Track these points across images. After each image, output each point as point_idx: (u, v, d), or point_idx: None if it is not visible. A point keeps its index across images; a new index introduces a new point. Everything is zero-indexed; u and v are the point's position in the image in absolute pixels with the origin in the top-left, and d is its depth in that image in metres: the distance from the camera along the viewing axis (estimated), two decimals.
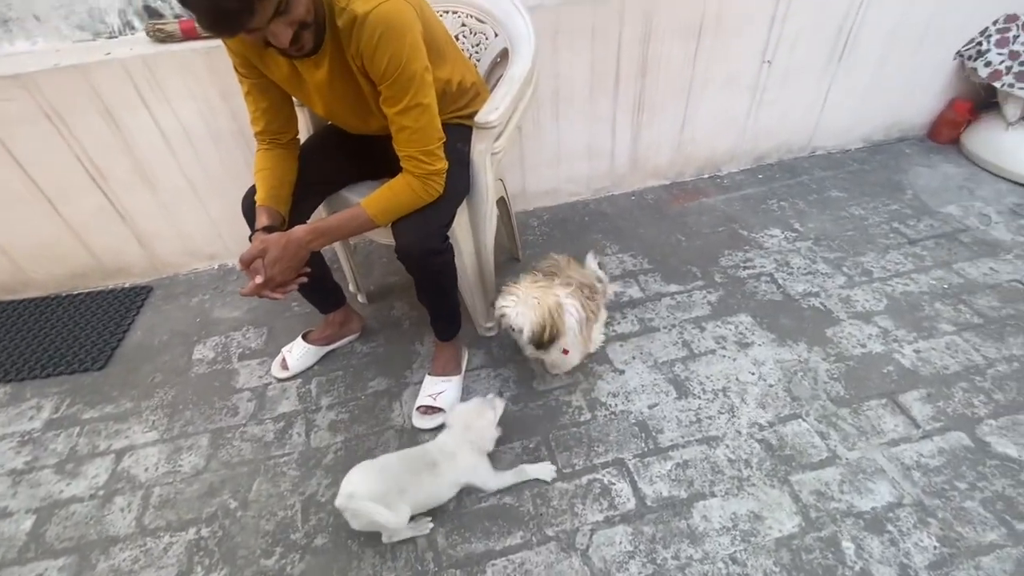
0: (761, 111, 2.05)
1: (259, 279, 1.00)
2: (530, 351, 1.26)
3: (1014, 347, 1.42)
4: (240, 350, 1.62)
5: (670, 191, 2.14)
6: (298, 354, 1.50)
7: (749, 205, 2.03)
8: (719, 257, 1.80)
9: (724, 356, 1.47)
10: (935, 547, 1.06)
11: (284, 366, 1.50)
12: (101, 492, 1.29)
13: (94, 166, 1.62)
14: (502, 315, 1.18)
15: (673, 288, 1.69)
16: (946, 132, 2.24)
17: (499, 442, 1.29)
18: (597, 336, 1.43)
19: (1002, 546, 1.05)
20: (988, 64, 1.98)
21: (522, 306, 1.15)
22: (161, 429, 1.42)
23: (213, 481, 1.29)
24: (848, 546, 1.07)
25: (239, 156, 1.68)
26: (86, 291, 1.87)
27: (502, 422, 1.24)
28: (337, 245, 1.61)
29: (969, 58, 2.04)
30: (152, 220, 1.78)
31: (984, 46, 1.99)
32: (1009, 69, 1.95)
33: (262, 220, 1.07)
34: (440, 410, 1.34)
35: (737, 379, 1.41)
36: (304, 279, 1.08)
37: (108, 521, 1.23)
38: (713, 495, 1.17)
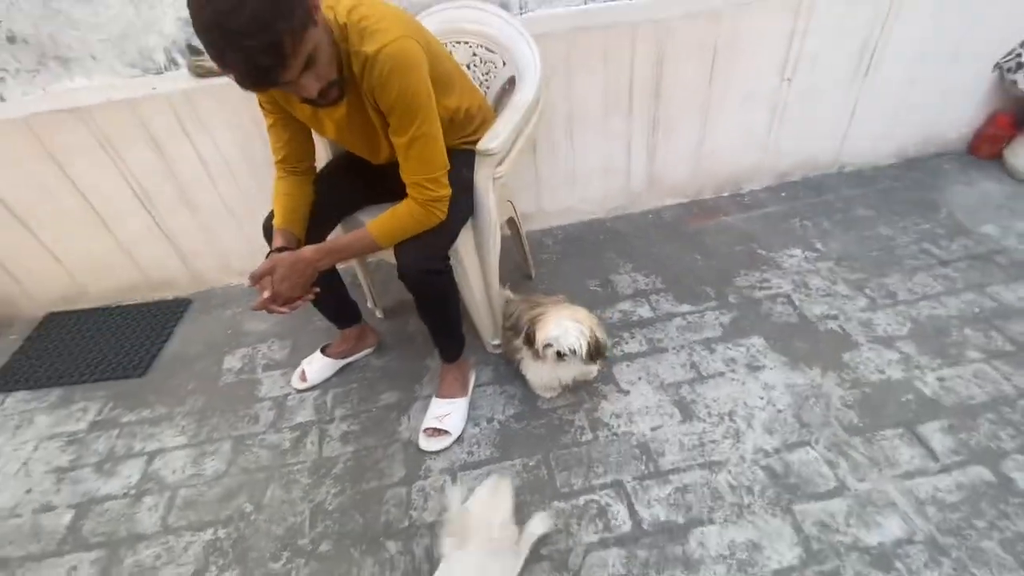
0: (783, 128, 2.01)
1: (266, 294, 1.08)
2: (575, 368, 1.31)
3: None
4: (265, 361, 1.72)
5: (688, 209, 2.13)
6: (316, 367, 1.59)
7: (770, 224, 1.99)
8: (735, 277, 1.77)
9: (733, 379, 1.45)
10: None
11: (303, 378, 1.58)
12: (133, 491, 1.39)
13: (142, 190, 1.77)
14: (548, 344, 1.21)
15: (685, 308, 1.68)
16: (987, 147, 2.13)
17: (499, 459, 1.32)
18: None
19: None
20: None
21: (566, 326, 1.20)
22: (190, 434, 1.52)
23: (232, 485, 1.37)
24: None
25: (270, 181, 1.79)
26: (133, 303, 2.03)
27: (503, 440, 1.27)
28: (355, 264, 1.69)
29: (1008, 70, 1.95)
30: (192, 239, 1.92)
31: None
32: None
33: (277, 242, 1.15)
34: (446, 432, 1.38)
35: (745, 403, 1.38)
36: (312, 297, 1.16)
37: (137, 519, 1.33)
38: (712, 521, 1.16)
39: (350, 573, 1.16)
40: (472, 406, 1.47)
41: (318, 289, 1.16)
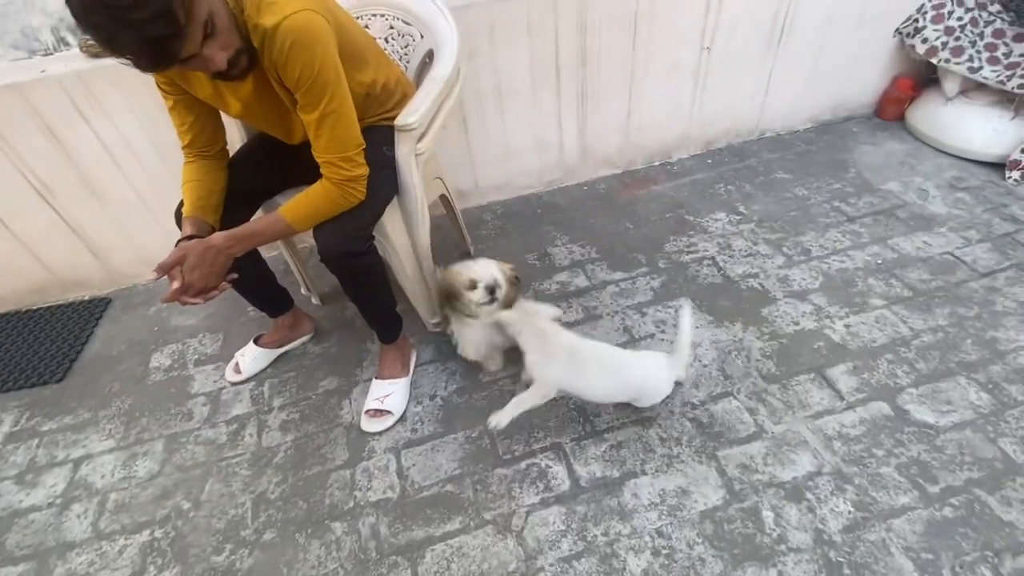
0: (706, 97, 2.08)
1: (175, 284, 1.04)
2: (491, 311, 1.26)
3: (940, 317, 1.48)
4: (196, 356, 1.66)
5: (621, 180, 2.18)
6: (250, 358, 1.54)
7: (697, 190, 2.07)
8: (664, 243, 1.84)
9: (663, 340, 1.52)
10: (849, 512, 1.12)
11: (237, 370, 1.54)
12: (59, 500, 1.33)
13: (40, 182, 1.64)
14: (474, 285, 1.20)
15: (618, 276, 1.74)
16: (892, 109, 2.28)
17: (442, 434, 1.34)
18: None
19: (913, 508, 1.11)
20: (925, 41, 2.02)
21: (484, 265, 1.22)
22: (118, 437, 1.45)
23: (167, 484, 1.33)
24: (768, 515, 1.13)
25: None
26: (46, 305, 1.90)
27: (446, 415, 1.29)
28: (285, 251, 1.64)
29: (907, 35, 2.08)
30: (104, 232, 1.80)
31: (920, 23, 2.03)
32: (945, 45, 1.99)
33: (186, 230, 1.10)
34: (388, 413, 1.38)
35: None
36: (228, 285, 1.12)
37: (65, 527, 1.27)
38: (644, 473, 1.23)
39: (296, 558, 1.16)
40: (414, 385, 1.47)
41: (235, 276, 1.12)
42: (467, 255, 1.88)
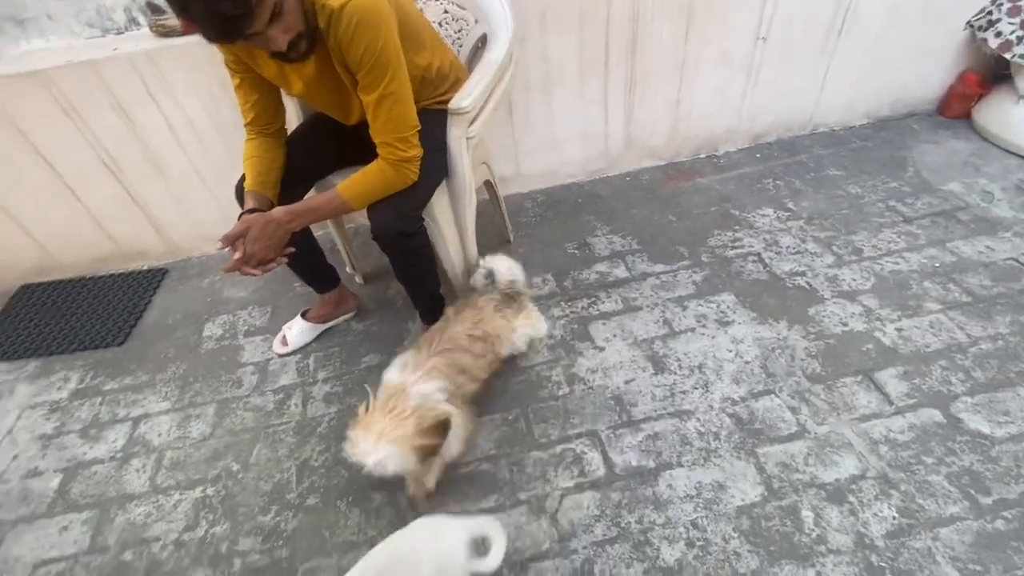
0: (758, 89, 2.03)
1: (237, 255, 1.09)
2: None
3: (1000, 325, 1.41)
4: (246, 328, 1.73)
5: (665, 172, 2.15)
6: (297, 331, 1.60)
7: (744, 185, 2.02)
8: (708, 237, 1.81)
9: (703, 334, 1.50)
10: (894, 518, 1.09)
11: (284, 343, 1.60)
12: (120, 455, 1.41)
13: (109, 156, 1.73)
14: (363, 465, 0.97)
15: (659, 268, 1.72)
16: (956, 106, 2.17)
17: (479, 414, 1.37)
18: (537, 326, 1.41)
19: (963, 518, 1.08)
20: (999, 35, 1.91)
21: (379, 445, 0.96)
22: (173, 399, 1.54)
23: (218, 447, 1.40)
24: (807, 515, 1.11)
25: (241, 145, 1.77)
26: (108, 273, 2.01)
27: (483, 396, 1.31)
28: (333, 229, 1.69)
29: (979, 28, 1.97)
30: (165, 207, 1.89)
31: (995, 15, 1.92)
32: (1020, 39, 1.87)
33: (248, 204, 1.15)
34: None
35: (714, 356, 1.44)
36: (285, 259, 1.16)
37: (125, 480, 1.35)
38: (680, 465, 1.22)
39: (337, 523, 1.21)
40: None
41: (292, 250, 1.17)
42: (507, 242, 1.90)
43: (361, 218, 1.23)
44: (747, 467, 1.20)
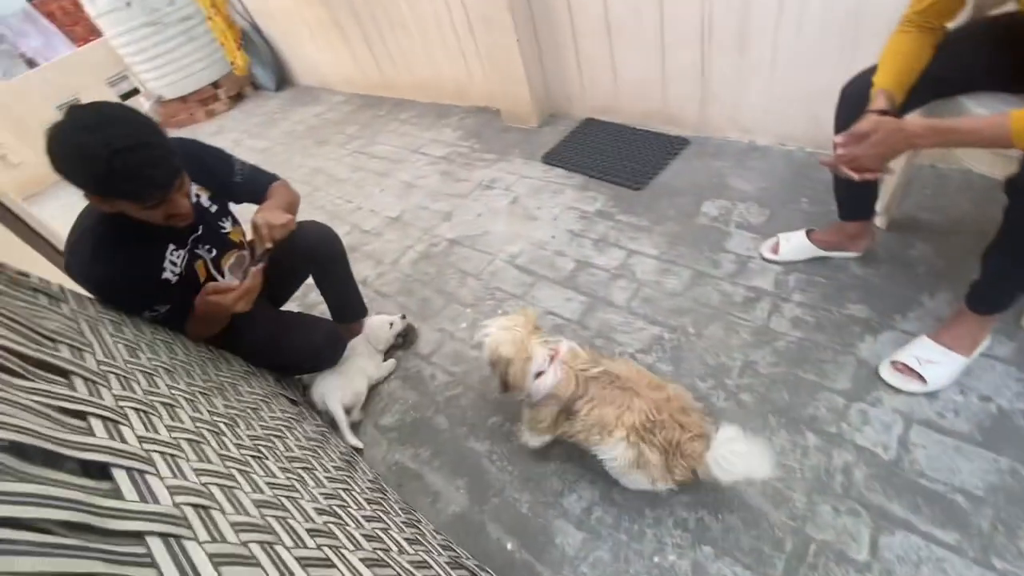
0: None
1: (840, 151, 1.04)
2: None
3: None
4: (739, 219, 1.80)
5: None
6: (793, 244, 1.56)
7: None
8: None
9: None
10: None
11: (774, 250, 1.60)
12: (613, 270, 1.79)
13: (709, 21, 1.89)
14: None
15: None
16: None
17: (978, 443, 1.09)
18: None
19: None
20: None
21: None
22: (660, 250, 1.79)
23: (683, 305, 1.59)
24: None
25: (837, 39, 1.65)
26: (646, 129, 2.37)
27: (993, 427, 1.02)
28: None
29: None
30: (724, 83, 2.01)
31: None
32: None
33: (880, 103, 1.05)
34: (920, 378, 1.19)
35: None
36: (883, 175, 1.06)
37: (611, 290, 1.72)
38: None
39: (761, 432, 1.25)
40: (968, 372, 1.21)
41: (892, 169, 1.06)
42: None
43: (952, 160, 0.98)
44: None
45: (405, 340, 1.79)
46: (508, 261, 1.96)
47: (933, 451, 1.12)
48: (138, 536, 0.53)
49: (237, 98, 4.74)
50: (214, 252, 1.34)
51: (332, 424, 1.52)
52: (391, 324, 1.74)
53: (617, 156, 2.27)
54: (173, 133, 4.46)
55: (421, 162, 2.78)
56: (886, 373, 1.25)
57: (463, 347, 1.71)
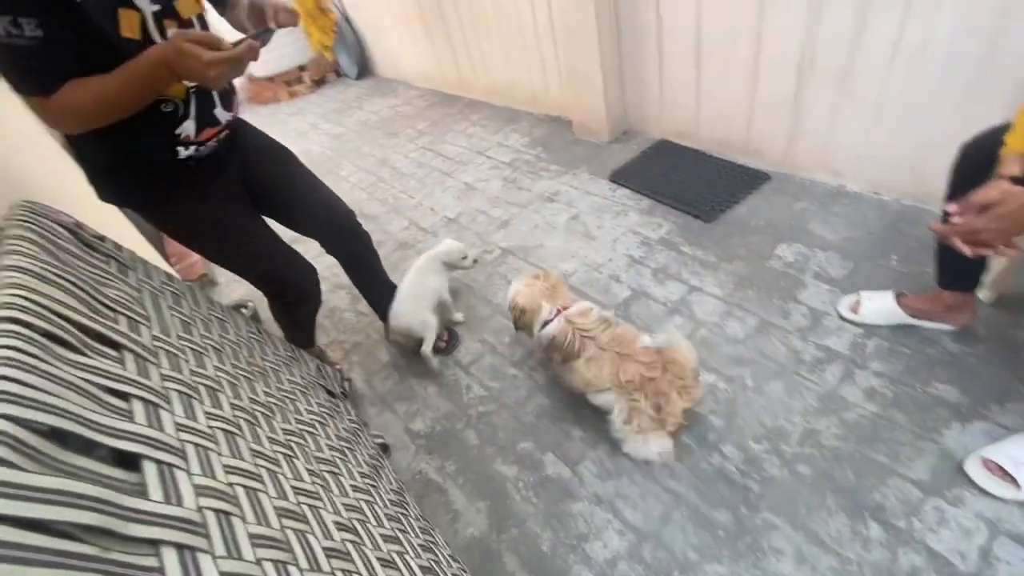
0: None
1: (957, 220, 0.91)
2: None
3: None
4: (817, 269, 1.66)
5: None
6: (877, 307, 1.42)
7: None
8: None
9: None
10: None
11: (855, 309, 1.46)
12: (670, 304, 1.69)
13: (810, 54, 1.76)
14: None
15: None
16: None
17: None
18: None
19: None
20: None
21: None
22: (726, 291, 1.68)
23: (743, 354, 1.48)
24: None
25: (958, 87, 1.49)
26: (724, 158, 2.24)
27: None
28: None
29: None
30: (816, 121, 1.87)
31: None
32: None
33: (1011, 168, 0.92)
34: (1014, 482, 1.04)
35: None
36: (1014, 253, 0.93)
37: (664, 327, 1.62)
38: None
39: (817, 510, 1.13)
40: None
41: (1020, 246, 0.92)
42: None
43: None
44: None
45: (448, 345, 1.77)
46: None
47: (1020, 571, 0.98)
48: (153, 545, 0.51)
49: (320, 82, 4.91)
50: (158, 6, 0.96)
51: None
52: (465, 256, 1.83)
53: (690, 183, 2.16)
54: (256, 111, 4.66)
55: (485, 165, 2.76)
56: (973, 470, 1.10)
57: (503, 363, 1.67)
